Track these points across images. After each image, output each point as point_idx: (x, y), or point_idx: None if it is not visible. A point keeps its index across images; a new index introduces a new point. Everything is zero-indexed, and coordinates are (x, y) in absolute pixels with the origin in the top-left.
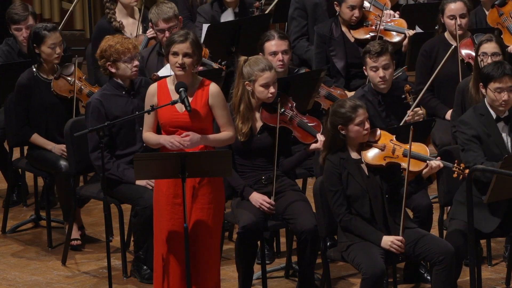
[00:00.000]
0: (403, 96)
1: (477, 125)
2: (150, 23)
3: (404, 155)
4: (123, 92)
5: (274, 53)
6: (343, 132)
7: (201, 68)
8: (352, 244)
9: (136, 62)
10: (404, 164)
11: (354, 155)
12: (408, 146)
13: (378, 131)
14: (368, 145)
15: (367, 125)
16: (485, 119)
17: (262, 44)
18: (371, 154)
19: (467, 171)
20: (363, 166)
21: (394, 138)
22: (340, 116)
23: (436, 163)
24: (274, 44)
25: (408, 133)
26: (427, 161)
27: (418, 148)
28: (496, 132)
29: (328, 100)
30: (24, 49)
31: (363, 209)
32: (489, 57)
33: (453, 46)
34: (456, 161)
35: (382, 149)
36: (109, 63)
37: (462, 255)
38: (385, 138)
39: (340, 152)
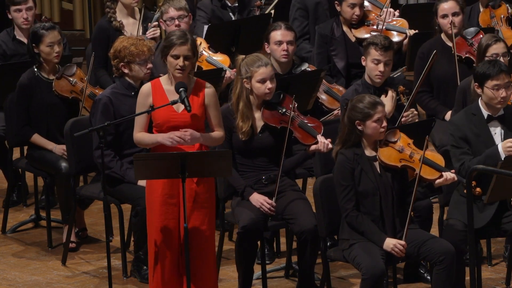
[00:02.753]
0: (397, 97)
1: (466, 126)
2: (150, 23)
3: (421, 161)
4: (133, 93)
5: (279, 43)
6: (360, 127)
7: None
8: (354, 243)
9: (149, 65)
10: (418, 170)
11: (368, 152)
12: (426, 152)
13: (398, 132)
14: (386, 144)
15: (384, 123)
16: (476, 118)
17: (269, 33)
18: (388, 153)
19: (478, 189)
20: (376, 164)
21: (412, 143)
22: (359, 112)
23: (451, 175)
24: (280, 34)
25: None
26: (442, 172)
27: (435, 157)
28: (485, 132)
29: (327, 94)
30: (23, 33)
31: (373, 206)
32: (501, 58)
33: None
34: None
35: (400, 151)
36: (122, 64)
37: (461, 252)
38: (404, 140)
39: (354, 147)
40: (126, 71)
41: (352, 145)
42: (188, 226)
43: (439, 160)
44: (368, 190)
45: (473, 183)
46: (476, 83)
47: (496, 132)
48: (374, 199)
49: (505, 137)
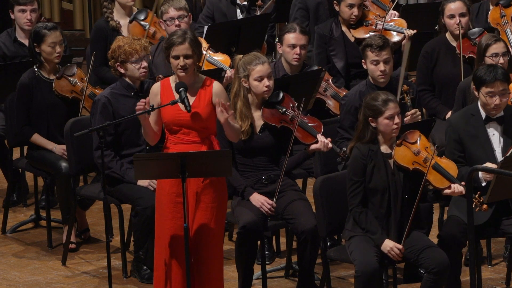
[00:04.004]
0: (401, 96)
1: (462, 127)
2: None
3: (434, 168)
4: (132, 93)
5: (293, 46)
6: (373, 124)
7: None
8: (354, 235)
9: (144, 64)
10: (429, 176)
11: (383, 148)
12: (441, 160)
13: (418, 134)
14: (403, 144)
15: (397, 120)
16: (474, 119)
17: (283, 34)
18: (403, 153)
19: (485, 206)
20: (391, 161)
21: (430, 147)
22: (371, 108)
23: (460, 188)
24: (293, 37)
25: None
26: (452, 183)
27: (449, 167)
28: (483, 134)
29: (334, 99)
30: (24, 34)
31: (381, 204)
32: (500, 57)
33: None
34: (478, 192)
35: (416, 153)
36: (118, 63)
37: (460, 244)
38: (422, 144)
39: (371, 143)
40: (122, 71)
41: (368, 141)
42: (195, 225)
43: (453, 170)
44: (378, 187)
45: (481, 199)
46: (474, 86)
47: (495, 133)
48: (383, 197)
49: (503, 138)
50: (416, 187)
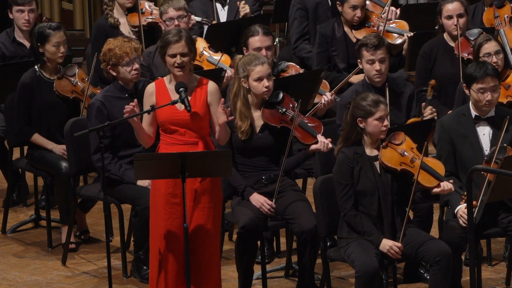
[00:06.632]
0: (425, 88)
1: (453, 128)
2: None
3: (421, 168)
4: (126, 95)
5: (259, 49)
6: (361, 125)
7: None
8: (351, 241)
9: (136, 66)
10: (416, 175)
11: (369, 151)
12: (427, 159)
13: (402, 135)
14: (389, 146)
15: (386, 122)
16: (465, 119)
17: (246, 39)
18: (389, 155)
19: (474, 203)
20: (377, 163)
21: (415, 148)
22: (361, 109)
23: (448, 186)
24: (258, 40)
25: (409, 133)
26: (440, 182)
27: (436, 165)
28: (472, 133)
29: None
30: (23, 34)
31: (371, 206)
32: (493, 56)
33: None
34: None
35: (402, 154)
36: (109, 66)
37: (460, 250)
38: (407, 144)
39: (355, 146)
40: (114, 73)
41: (353, 143)
42: (192, 225)
43: (440, 168)
44: (366, 189)
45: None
46: (464, 84)
47: (485, 133)
48: (373, 198)
49: (493, 137)
50: (404, 188)
